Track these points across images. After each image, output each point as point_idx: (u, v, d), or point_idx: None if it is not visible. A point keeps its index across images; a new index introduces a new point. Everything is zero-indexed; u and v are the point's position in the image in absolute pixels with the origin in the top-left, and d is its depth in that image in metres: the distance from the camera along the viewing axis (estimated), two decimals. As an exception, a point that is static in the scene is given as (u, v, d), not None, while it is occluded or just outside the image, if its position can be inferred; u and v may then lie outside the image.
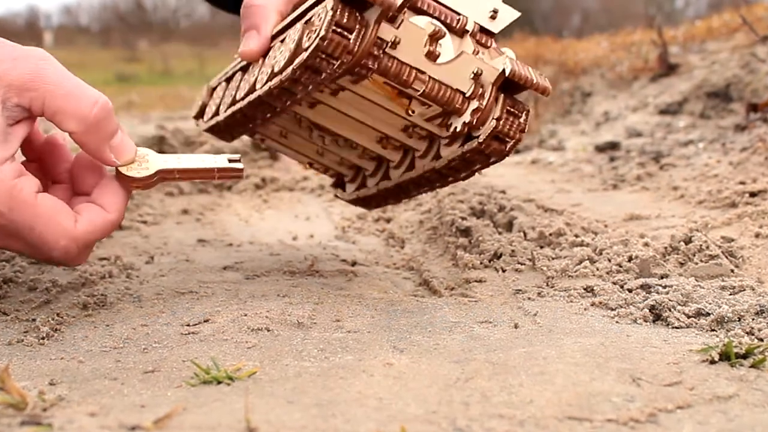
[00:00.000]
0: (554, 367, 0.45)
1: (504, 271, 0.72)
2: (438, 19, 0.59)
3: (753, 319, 0.54)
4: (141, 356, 0.49)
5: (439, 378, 0.43)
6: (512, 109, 0.56)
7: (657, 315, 0.57)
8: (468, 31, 0.59)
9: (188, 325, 0.56)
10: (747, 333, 0.52)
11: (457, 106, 0.56)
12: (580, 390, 0.41)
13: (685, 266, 0.71)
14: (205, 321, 0.57)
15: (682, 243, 0.75)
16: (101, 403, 0.40)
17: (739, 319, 0.54)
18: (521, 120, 0.56)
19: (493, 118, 0.55)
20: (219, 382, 0.43)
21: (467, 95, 0.56)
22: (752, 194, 0.99)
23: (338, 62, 0.53)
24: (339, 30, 0.52)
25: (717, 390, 0.42)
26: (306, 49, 0.53)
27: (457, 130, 0.56)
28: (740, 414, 0.39)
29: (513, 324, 0.55)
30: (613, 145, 1.72)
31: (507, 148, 0.56)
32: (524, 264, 0.74)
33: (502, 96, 0.56)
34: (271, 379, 0.44)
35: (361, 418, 0.38)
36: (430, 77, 0.56)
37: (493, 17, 0.60)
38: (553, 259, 0.75)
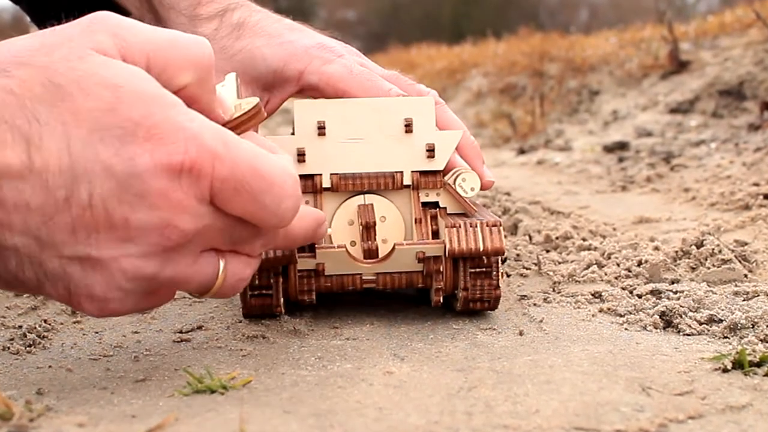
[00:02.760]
0: (561, 375, 0.45)
1: (508, 275, 0.72)
2: (368, 191, 0.56)
3: None
4: (132, 364, 0.49)
5: (441, 387, 0.44)
6: (478, 270, 0.56)
7: (667, 322, 0.57)
8: (409, 185, 0.56)
9: (181, 332, 0.56)
10: (761, 340, 0.52)
11: (420, 284, 0.57)
12: (588, 399, 0.41)
13: (696, 271, 0.71)
14: (198, 328, 0.57)
15: (693, 247, 0.75)
16: (90, 413, 0.40)
17: (753, 326, 0.54)
18: (492, 277, 0.56)
19: (461, 289, 0.56)
20: (212, 392, 0.43)
21: (424, 274, 0.56)
22: (766, 196, 0.99)
23: (279, 310, 0.56)
24: (257, 293, 0.55)
25: (730, 400, 0.42)
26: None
27: (437, 302, 0.57)
28: (754, 424, 0.39)
29: (518, 331, 0.55)
30: (622, 145, 1.72)
31: (489, 305, 0.57)
32: (530, 269, 0.74)
33: (462, 263, 0.55)
34: (267, 388, 0.44)
35: (360, 428, 0.38)
36: (377, 274, 0.56)
37: (431, 155, 0.56)
38: (559, 263, 0.75)
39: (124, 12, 0.67)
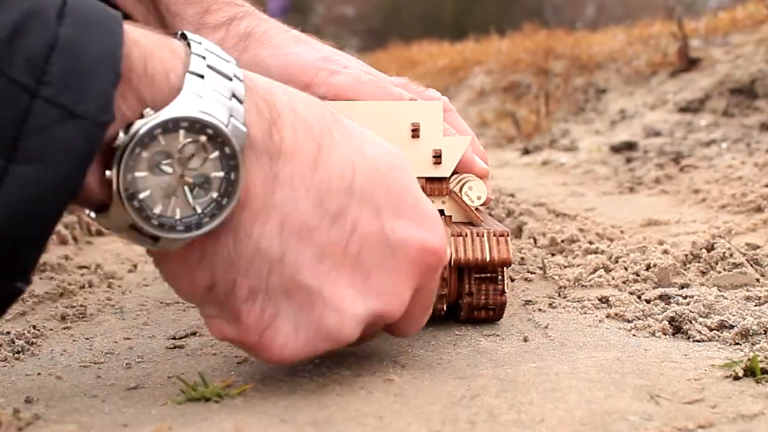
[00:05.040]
0: (567, 383, 0.45)
1: (513, 280, 0.72)
2: None
3: (780, 332, 0.54)
4: (123, 372, 0.49)
5: (443, 395, 0.44)
6: (483, 275, 0.56)
7: (677, 327, 0.57)
8: None
9: (174, 339, 0.56)
10: (773, 347, 0.52)
11: None
12: (595, 408, 0.41)
13: (707, 275, 0.71)
14: (192, 334, 0.57)
15: (703, 250, 0.75)
16: (81, 422, 0.40)
17: (765, 332, 0.54)
18: (498, 282, 0.56)
19: (465, 294, 0.56)
20: (207, 400, 0.43)
21: None
22: (779, 198, 0.99)
23: None
24: None
25: (741, 408, 0.42)
26: None
27: (440, 310, 0.57)
28: (766, 434, 0.39)
29: (522, 337, 0.55)
30: (630, 146, 1.72)
31: (494, 313, 0.58)
32: (534, 273, 0.74)
33: (467, 270, 0.56)
34: (263, 396, 0.44)
35: (359, 438, 0.38)
36: None
37: (437, 162, 0.56)
38: (565, 267, 0.76)
39: (128, 19, 0.67)
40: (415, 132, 0.55)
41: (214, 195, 0.37)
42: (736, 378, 0.46)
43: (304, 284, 0.40)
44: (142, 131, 0.35)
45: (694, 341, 0.54)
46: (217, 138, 0.37)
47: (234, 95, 0.38)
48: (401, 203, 0.43)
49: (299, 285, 0.40)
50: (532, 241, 0.86)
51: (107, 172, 0.35)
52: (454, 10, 12.90)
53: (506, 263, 0.55)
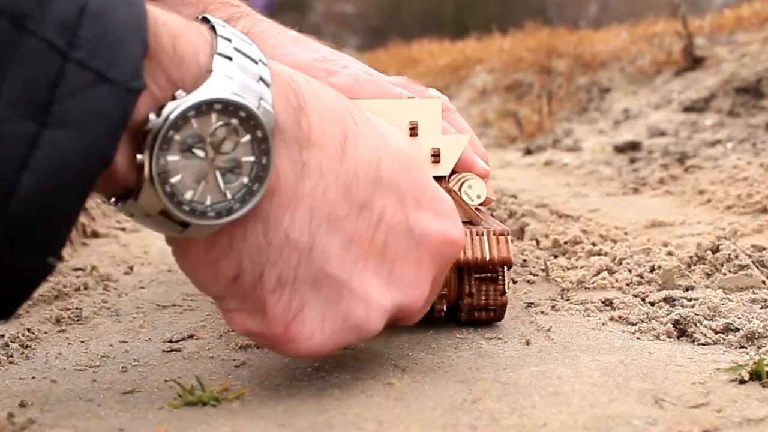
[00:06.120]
0: (569, 387, 0.45)
1: (515, 282, 0.72)
2: None
3: (786, 335, 0.54)
4: (119, 375, 0.49)
5: (444, 399, 0.44)
6: (483, 275, 0.56)
7: (681, 330, 0.57)
8: None
9: (171, 342, 0.56)
10: (780, 350, 0.52)
11: None
12: (598, 412, 0.41)
13: (712, 277, 0.71)
14: (189, 337, 0.57)
15: (708, 252, 0.75)
16: (76, 427, 0.41)
17: (771, 335, 0.54)
18: (498, 282, 0.56)
19: (465, 295, 0.56)
20: (204, 404, 0.43)
21: None
22: (785, 199, 0.99)
23: None
24: None
25: (747, 412, 0.42)
26: None
27: (440, 311, 0.57)
28: (772, 438, 0.39)
29: (525, 340, 0.55)
30: (634, 146, 1.72)
31: (495, 314, 0.58)
32: (537, 275, 0.74)
33: (467, 271, 0.56)
34: (262, 400, 0.44)
35: (359, 442, 0.38)
36: None
37: (436, 161, 0.56)
38: (568, 269, 0.76)
39: None
40: (413, 130, 0.55)
41: (245, 180, 0.37)
42: (742, 382, 0.46)
43: (333, 274, 0.40)
44: (175, 114, 0.34)
45: (699, 344, 0.54)
46: (250, 121, 0.36)
47: (261, 79, 0.37)
48: (423, 194, 0.43)
49: (328, 275, 0.40)
50: (534, 242, 0.86)
51: (138, 156, 0.35)
52: (455, 7, 12.90)
53: (506, 263, 0.55)
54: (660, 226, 0.98)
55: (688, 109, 2.03)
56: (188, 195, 0.36)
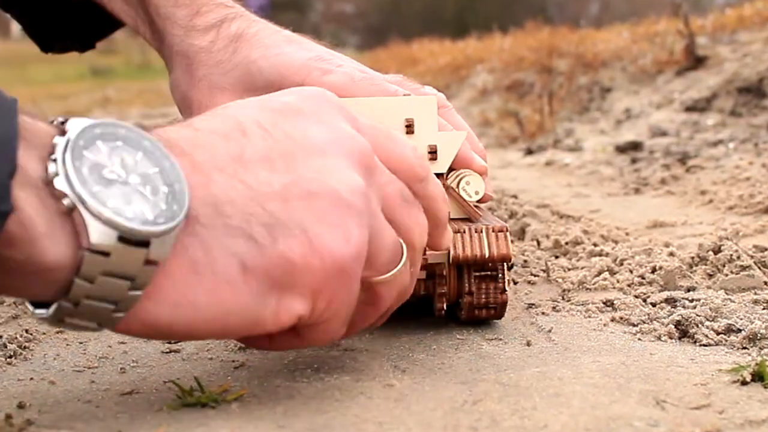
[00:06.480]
0: (570, 388, 0.45)
1: (515, 283, 0.72)
2: None
3: (788, 336, 0.54)
4: (118, 377, 0.49)
5: (445, 400, 0.44)
6: (483, 273, 0.56)
7: (683, 331, 0.57)
8: None
9: (169, 343, 0.56)
10: (782, 351, 0.52)
11: (422, 292, 0.56)
12: (599, 413, 0.41)
13: (714, 278, 0.71)
14: (188, 338, 0.57)
15: (710, 252, 0.75)
16: (75, 428, 0.41)
17: (773, 336, 0.54)
18: (498, 280, 0.56)
19: (465, 293, 0.56)
20: (203, 405, 0.43)
21: (427, 281, 0.56)
22: (787, 199, 0.99)
23: None
24: None
25: (749, 414, 0.42)
26: None
27: (440, 310, 0.57)
28: (774, 440, 0.39)
29: (525, 341, 0.55)
30: (635, 146, 1.72)
31: (496, 312, 0.57)
32: (538, 276, 0.74)
33: (466, 268, 0.56)
34: (260, 401, 0.44)
35: (358, 444, 0.38)
36: None
37: (433, 157, 0.56)
38: (569, 270, 0.76)
39: (117, 22, 0.68)
40: (409, 127, 0.55)
41: (165, 188, 0.37)
42: (744, 383, 0.46)
43: (305, 189, 0.39)
44: (68, 154, 0.35)
45: (700, 345, 0.54)
46: (131, 141, 0.37)
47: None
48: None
49: (302, 195, 0.39)
50: (535, 243, 0.86)
51: (65, 201, 0.34)
52: (455, 6, 12.91)
53: (506, 259, 0.55)
54: (661, 226, 0.98)
55: (689, 109, 2.03)
56: (129, 213, 0.35)
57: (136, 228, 0.35)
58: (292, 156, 0.40)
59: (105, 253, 0.35)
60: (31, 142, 0.35)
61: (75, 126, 0.36)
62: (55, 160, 0.35)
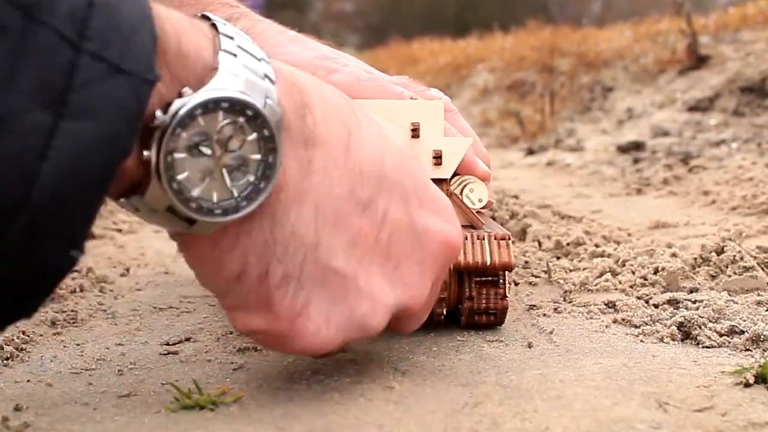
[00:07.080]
0: (572, 390, 0.45)
1: (517, 284, 0.72)
2: None
3: (792, 338, 0.54)
4: (115, 379, 0.49)
5: (445, 403, 0.44)
6: (484, 278, 0.56)
7: (686, 333, 0.57)
8: None
9: (168, 345, 0.56)
10: (785, 353, 0.52)
11: None
12: (601, 416, 0.41)
13: (716, 279, 0.71)
14: (186, 340, 0.57)
15: (713, 253, 0.75)
16: (71, 430, 0.41)
17: (777, 338, 0.54)
18: (499, 286, 0.56)
19: (465, 299, 0.56)
20: (201, 408, 0.43)
21: None
22: (791, 199, 0.99)
23: None
24: None
25: (752, 416, 0.42)
26: None
27: (440, 314, 0.57)
28: (777, 442, 0.39)
29: (526, 343, 0.55)
30: (638, 146, 1.72)
31: (496, 318, 0.58)
32: (539, 277, 0.74)
33: (467, 274, 0.56)
34: (260, 404, 0.44)
35: (358, 447, 0.38)
36: None
37: (437, 163, 0.56)
38: (570, 271, 0.76)
39: None
40: (415, 132, 0.55)
41: (251, 178, 0.37)
42: (747, 385, 0.46)
43: (339, 271, 0.40)
44: (182, 112, 0.35)
45: (703, 347, 0.54)
46: (256, 119, 0.37)
47: (266, 76, 0.38)
48: (423, 193, 0.44)
49: (334, 271, 0.40)
50: (536, 244, 0.86)
51: (145, 152, 0.35)
52: (456, 5, 12.91)
53: (507, 267, 0.55)
54: (664, 227, 0.98)
55: (692, 109, 2.03)
56: (195, 192, 0.36)
57: (183, 209, 0.36)
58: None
59: (153, 210, 0.37)
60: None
61: (218, 84, 0.36)
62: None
